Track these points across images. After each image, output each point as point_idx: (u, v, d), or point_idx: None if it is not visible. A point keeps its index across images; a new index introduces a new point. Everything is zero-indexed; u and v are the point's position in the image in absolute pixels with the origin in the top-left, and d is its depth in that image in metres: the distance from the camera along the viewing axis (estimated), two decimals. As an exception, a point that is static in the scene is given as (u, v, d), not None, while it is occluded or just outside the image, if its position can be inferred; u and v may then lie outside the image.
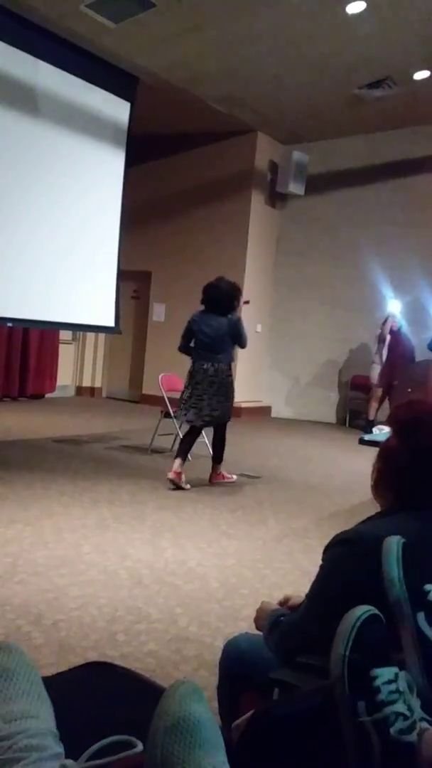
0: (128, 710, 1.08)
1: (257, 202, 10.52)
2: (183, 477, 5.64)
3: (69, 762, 0.89)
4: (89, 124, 7.17)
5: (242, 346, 5.94)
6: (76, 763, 0.90)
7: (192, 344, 5.82)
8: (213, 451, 5.99)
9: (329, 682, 0.95)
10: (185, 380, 5.87)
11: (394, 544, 1.23)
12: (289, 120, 9.72)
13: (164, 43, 7.33)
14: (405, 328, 9.27)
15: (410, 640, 1.11)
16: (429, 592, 1.17)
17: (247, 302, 6.32)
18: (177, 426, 6.96)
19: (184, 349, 5.91)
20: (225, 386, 5.72)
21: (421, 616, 1.13)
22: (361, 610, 1.01)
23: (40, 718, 0.91)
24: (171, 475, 5.59)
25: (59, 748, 0.89)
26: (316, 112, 9.35)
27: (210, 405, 5.65)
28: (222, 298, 5.71)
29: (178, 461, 5.66)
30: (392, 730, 0.89)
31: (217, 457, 5.95)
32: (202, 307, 5.86)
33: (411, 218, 9.80)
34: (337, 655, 0.96)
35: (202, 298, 5.84)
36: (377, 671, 0.95)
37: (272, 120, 9.75)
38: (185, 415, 5.76)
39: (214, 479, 5.97)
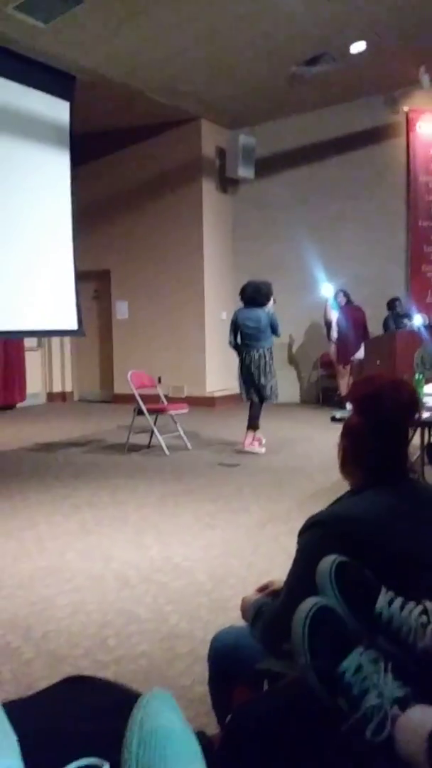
0: (105, 724, 1.06)
1: (209, 189, 10.48)
2: (261, 441, 6.92)
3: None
4: (30, 128, 7.05)
5: (278, 334, 7.01)
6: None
7: (238, 337, 6.92)
8: (250, 420, 6.94)
9: (301, 674, 0.95)
10: (238, 367, 6.99)
11: (326, 574, 1.15)
12: (232, 104, 9.68)
13: (97, 38, 7.23)
14: (340, 305, 9.37)
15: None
16: (380, 613, 1.09)
17: (274, 300, 7.23)
18: (151, 422, 6.94)
19: (234, 343, 6.96)
20: (269, 367, 6.85)
21: (381, 640, 1.08)
22: (304, 611, 0.99)
23: (2, 751, 0.88)
24: (248, 447, 6.83)
25: None
26: (258, 93, 9.31)
27: (259, 383, 6.80)
28: (260, 293, 6.86)
29: (250, 432, 6.88)
30: (367, 733, 0.88)
31: (254, 426, 6.96)
32: (241, 305, 6.98)
33: (363, 192, 9.84)
34: (302, 666, 0.95)
35: (242, 296, 6.96)
36: (343, 665, 0.93)
37: (215, 106, 9.69)
38: (246, 394, 6.93)
39: (249, 445, 6.94)
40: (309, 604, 1.00)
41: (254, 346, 6.81)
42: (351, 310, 9.33)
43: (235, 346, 6.96)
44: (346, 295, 9.37)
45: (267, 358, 6.84)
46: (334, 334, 9.42)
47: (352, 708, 0.90)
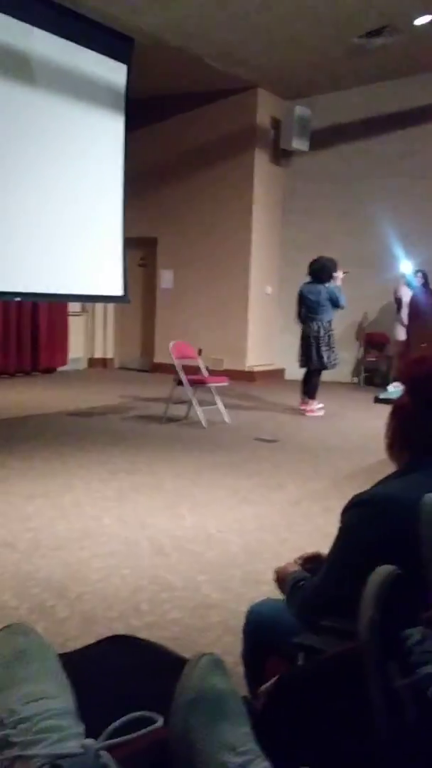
0: (151, 684, 1.08)
1: (261, 160, 10.34)
2: (313, 405, 7.64)
3: (89, 741, 0.87)
4: (86, 89, 7.02)
5: (339, 307, 7.59)
6: (97, 742, 0.89)
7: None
8: (312, 388, 7.69)
9: (357, 645, 0.94)
10: (300, 338, 7.65)
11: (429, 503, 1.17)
12: (290, 74, 9.49)
13: (158, 1, 7.13)
14: (418, 285, 9.07)
15: None
16: None
17: (347, 272, 7.86)
18: (190, 394, 6.95)
19: (299, 316, 7.66)
20: (329, 338, 7.53)
21: None
22: (387, 571, 0.98)
23: (58, 698, 0.90)
24: (310, 412, 7.58)
25: (79, 728, 0.88)
26: (317, 64, 9.11)
27: (320, 353, 7.46)
28: (322, 270, 7.50)
29: (309, 399, 7.67)
30: (430, 692, 0.87)
31: (308, 392, 7.71)
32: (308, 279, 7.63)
33: (420, 169, 9.59)
34: (366, 618, 0.94)
35: (308, 271, 7.61)
36: (408, 632, 0.93)
37: (272, 75, 9.52)
38: (303, 362, 7.63)
39: (305, 410, 7.69)
40: (392, 567, 1.00)
41: (314, 319, 7.49)
42: (422, 292, 9.04)
43: (300, 318, 7.62)
44: (424, 276, 9.05)
45: (326, 330, 7.50)
46: (404, 314, 9.10)
47: (403, 674, 0.89)
